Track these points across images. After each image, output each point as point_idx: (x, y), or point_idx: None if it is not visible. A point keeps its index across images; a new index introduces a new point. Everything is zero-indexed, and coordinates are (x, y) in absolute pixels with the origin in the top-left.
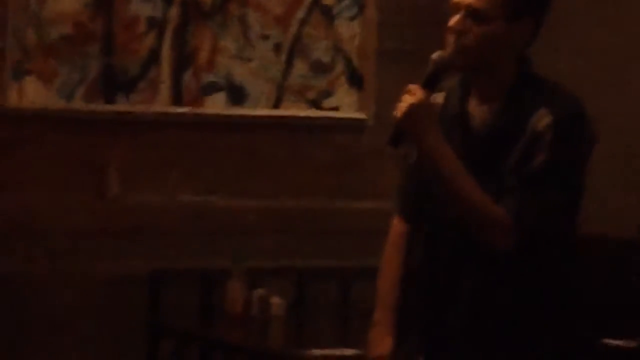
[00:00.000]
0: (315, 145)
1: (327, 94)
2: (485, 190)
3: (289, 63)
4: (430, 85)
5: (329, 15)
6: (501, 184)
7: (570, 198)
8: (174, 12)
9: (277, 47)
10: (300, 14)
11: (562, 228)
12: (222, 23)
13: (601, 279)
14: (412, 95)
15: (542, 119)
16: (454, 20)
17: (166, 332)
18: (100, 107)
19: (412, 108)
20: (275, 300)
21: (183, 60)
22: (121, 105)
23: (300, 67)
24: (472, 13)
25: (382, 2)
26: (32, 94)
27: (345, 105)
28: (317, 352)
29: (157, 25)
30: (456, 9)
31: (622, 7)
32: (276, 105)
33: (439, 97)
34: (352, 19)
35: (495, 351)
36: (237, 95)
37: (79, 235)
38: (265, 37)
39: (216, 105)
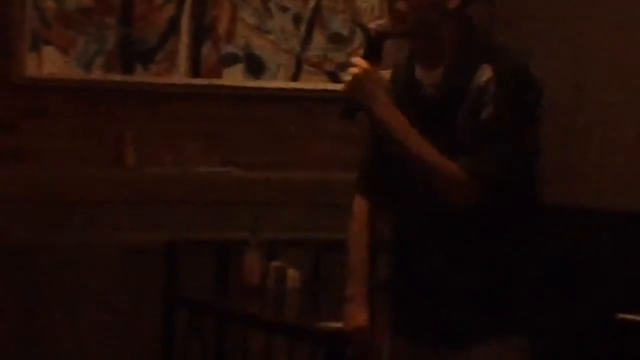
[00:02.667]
0: (333, 118)
1: (346, 66)
2: (440, 151)
3: (308, 35)
4: (372, 54)
5: None
6: (454, 143)
7: (522, 145)
8: None
9: (297, 19)
10: None
11: (519, 176)
12: None
13: (621, 254)
14: (356, 67)
15: (484, 74)
16: None
17: (182, 302)
18: (118, 77)
19: (357, 78)
20: (291, 273)
21: (202, 31)
22: (139, 76)
23: (319, 40)
24: None
25: None
26: (50, 64)
27: None
28: (332, 324)
29: None
30: None
31: None
32: (294, 78)
33: (386, 73)
34: None
35: (463, 321)
36: (255, 67)
37: (97, 206)
38: (285, 9)
39: (234, 77)
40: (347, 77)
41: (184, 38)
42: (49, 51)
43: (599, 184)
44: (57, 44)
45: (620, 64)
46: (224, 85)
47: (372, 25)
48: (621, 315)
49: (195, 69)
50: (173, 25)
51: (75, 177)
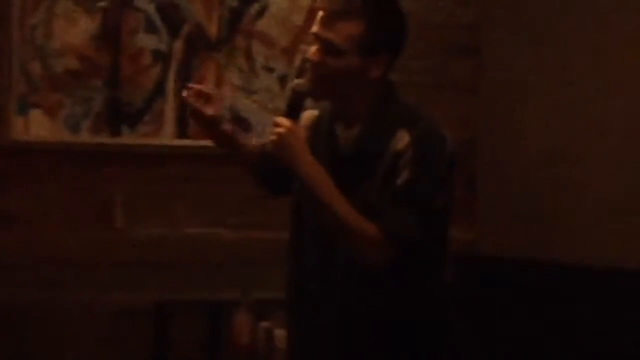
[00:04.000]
0: None
1: None
2: (354, 209)
3: None
4: (292, 112)
5: None
6: (367, 204)
7: (436, 209)
8: (179, 44)
9: (282, 79)
10: (305, 46)
11: (432, 237)
12: (227, 55)
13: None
14: (279, 127)
15: (402, 140)
16: (311, 51)
17: None
18: (105, 139)
19: (282, 137)
20: (280, 332)
21: None
22: (127, 138)
23: None
24: (327, 46)
25: None
26: (38, 127)
27: None
28: None
29: (162, 58)
30: (314, 40)
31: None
32: None
33: (313, 113)
34: None
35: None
36: (242, 127)
37: (86, 267)
38: (270, 69)
39: None
40: (272, 137)
41: (170, 99)
42: (36, 114)
43: (588, 241)
44: (45, 107)
45: (602, 124)
46: (211, 146)
47: (291, 84)
48: None
49: (182, 130)
50: (159, 87)
51: (64, 239)
